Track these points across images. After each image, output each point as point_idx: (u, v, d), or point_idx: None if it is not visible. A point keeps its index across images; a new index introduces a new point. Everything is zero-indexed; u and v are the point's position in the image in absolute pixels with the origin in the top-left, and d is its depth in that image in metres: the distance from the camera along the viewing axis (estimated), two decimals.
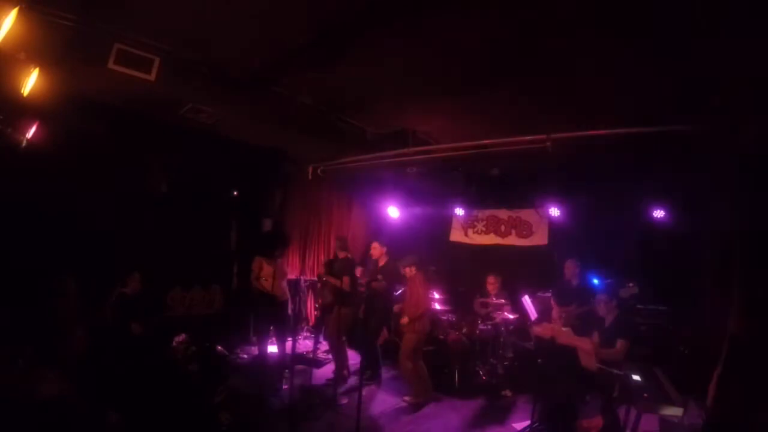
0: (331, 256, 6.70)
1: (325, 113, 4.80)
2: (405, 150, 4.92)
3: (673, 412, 2.86)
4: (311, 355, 6.07)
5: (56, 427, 2.77)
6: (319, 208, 7.74)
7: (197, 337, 4.53)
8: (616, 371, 3.27)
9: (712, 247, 4.92)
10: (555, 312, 5.37)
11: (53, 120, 4.06)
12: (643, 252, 5.58)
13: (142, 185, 5.42)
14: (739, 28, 2.47)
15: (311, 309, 7.54)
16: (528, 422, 4.23)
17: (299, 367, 5.54)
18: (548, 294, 5.72)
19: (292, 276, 6.37)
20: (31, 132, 3.93)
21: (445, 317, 6.28)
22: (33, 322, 3.69)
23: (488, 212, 7.64)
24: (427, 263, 6.00)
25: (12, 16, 2.61)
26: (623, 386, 3.18)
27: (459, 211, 7.43)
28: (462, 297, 6.82)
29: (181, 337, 4.47)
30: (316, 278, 6.90)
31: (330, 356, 5.79)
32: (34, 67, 3.23)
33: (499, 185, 6.87)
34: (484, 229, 7.72)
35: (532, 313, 5.47)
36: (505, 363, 5.58)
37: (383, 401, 4.98)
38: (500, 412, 4.82)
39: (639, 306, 5.33)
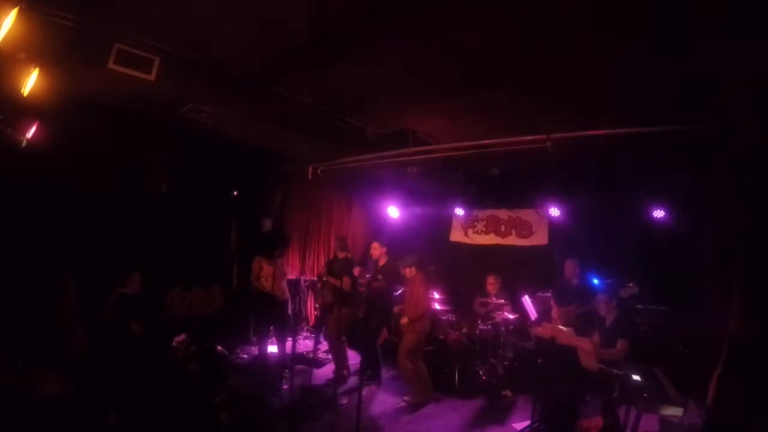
0: (331, 256, 6.70)
1: (325, 113, 4.80)
2: (405, 150, 4.91)
3: (673, 412, 2.86)
4: (311, 355, 6.07)
5: (56, 427, 2.77)
6: (319, 208, 7.74)
7: (197, 337, 4.53)
8: (616, 371, 3.27)
9: (712, 247, 4.92)
10: (555, 312, 5.36)
11: (53, 120, 4.06)
12: (643, 252, 5.58)
13: (142, 185, 5.43)
14: (739, 28, 2.47)
15: (311, 309, 7.54)
16: (528, 422, 4.23)
17: (299, 367, 5.54)
18: (548, 294, 5.71)
19: (292, 276, 6.37)
20: (31, 132, 3.93)
21: (445, 317, 6.28)
22: (33, 322, 3.68)
23: (488, 212, 7.63)
24: (427, 263, 6.00)
25: (12, 16, 2.60)
26: (623, 386, 3.18)
27: (459, 211, 7.43)
28: (462, 297, 6.82)
29: (181, 337, 4.47)
30: (316, 278, 6.91)
31: (330, 356, 5.79)
32: (34, 67, 3.22)
33: (499, 185, 6.87)
34: (484, 229, 7.72)
35: (532, 313, 5.46)
36: (505, 363, 5.58)
37: (383, 401, 4.99)
38: (500, 412, 4.82)
39: (639, 306, 5.33)
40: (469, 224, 7.86)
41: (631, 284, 4.96)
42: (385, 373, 5.69)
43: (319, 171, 5.86)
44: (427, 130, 5.08)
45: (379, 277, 5.62)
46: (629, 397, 3.09)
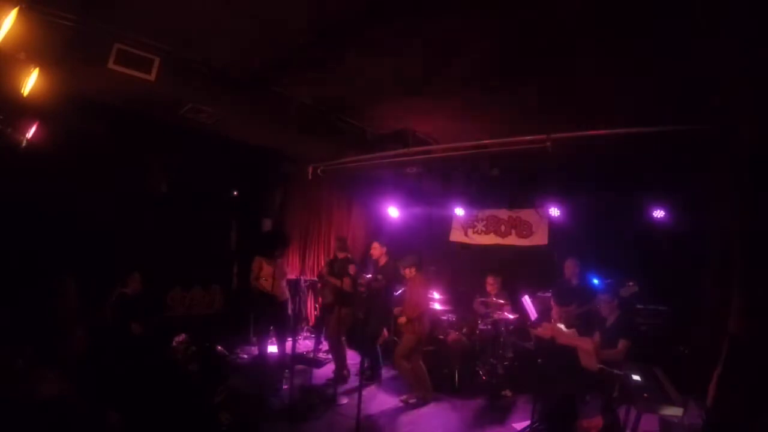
0: (331, 256, 6.70)
1: (325, 113, 4.80)
2: (405, 150, 4.91)
3: (673, 412, 2.86)
4: (311, 355, 6.08)
5: (56, 427, 2.77)
6: (319, 208, 7.74)
7: (197, 337, 4.53)
8: (616, 371, 3.27)
9: (712, 247, 4.92)
10: (555, 312, 5.37)
11: (53, 120, 4.06)
12: (643, 252, 5.57)
13: (142, 185, 5.42)
14: (739, 28, 2.47)
15: (311, 309, 7.54)
16: (528, 422, 4.23)
17: (299, 367, 5.54)
18: (548, 294, 5.72)
19: (292, 276, 6.37)
20: (31, 132, 3.93)
21: (445, 317, 6.28)
22: (33, 322, 3.68)
23: (488, 212, 7.63)
24: (427, 263, 6.00)
25: (12, 16, 2.61)
26: (623, 386, 3.18)
27: (459, 211, 7.42)
28: (462, 297, 6.82)
29: (181, 337, 4.47)
30: (316, 278, 6.91)
31: (330, 356, 5.79)
32: (34, 67, 3.23)
33: (499, 185, 6.86)
34: (484, 229, 7.72)
35: (532, 313, 5.46)
36: (505, 363, 5.57)
37: (383, 401, 4.98)
38: (500, 412, 4.82)
39: (639, 306, 5.32)
40: (469, 224, 7.85)
41: (630, 283, 4.95)
42: (385, 373, 5.69)
43: (319, 171, 5.86)
44: (427, 130, 5.08)
45: (379, 277, 5.62)
46: (629, 397, 3.09)
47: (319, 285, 6.43)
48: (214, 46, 3.54)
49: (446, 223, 8.05)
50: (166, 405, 3.53)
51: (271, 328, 5.71)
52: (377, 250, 5.72)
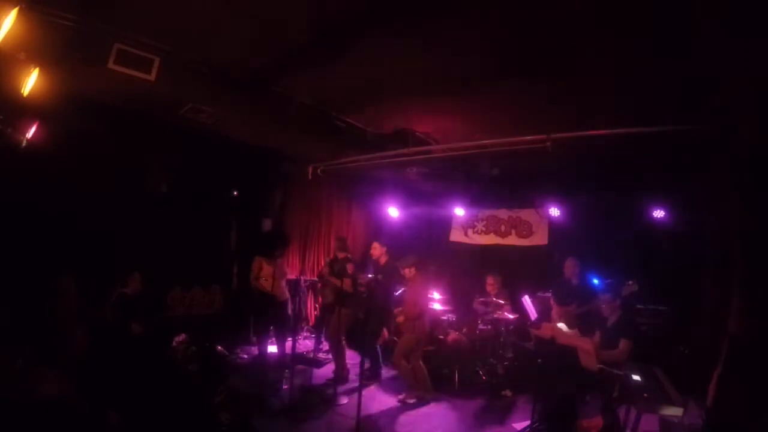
0: (331, 256, 6.70)
1: (325, 113, 4.80)
2: (405, 150, 4.92)
3: (673, 412, 2.86)
4: (311, 355, 6.08)
5: (56, 427, 2.76)
6: (319, 208, 7.74)
7: (197, 337, 4.52)
8: (616, 371, 3.27)
9: (712, 247, 4.92)
10: (555, 312, 5.37)
11: (53, 120, 4.06)
12: (643, 252, 5.57)
13: (142, 185, 5.42)
14: (739, 28, 2.47)
15: (311, 309, 7.54)
16: (528, 422, 4.22)
17: (299, 367, 5.54)
18: (548, 294, 5.72)
19: (292, 276, 6.37)
20: (31, 132, 3.93)
21: (445, 317, 6.28)
22: (33, 322, 3.68)
23: (488, 212, 7.63)
24: (427, 263, 6.00)
25: (12, 16, 2.60)
26: (623, 386, 3.18)
27: (459, 211, 7.42)
28: (462, 297, 6.82)
29: (181, 337, 4.46)
30: (316, 278, 6.90)
31: (330, 356, 5.79)
32: (34, 67, 3.22)
33: (499, 185, 6.87)
34: (484, 229, 7.72)
35: (532, 313, 5.46)
36: (505, 363, 5.58)
37: (383, 401, 4.98)
38: (500, 412, 4.82)
39: (639, 306, 5.33)
40: (469, 224, 7.86)
41: (630, 282, 4.96)
42: (385, 373, 5.69)
43: (319, 171, 5.87)
44: (427, 130, 5.07)
45: (379, 276, 5.62)
46: (629, 397, 3.09)
47: (319, 285, 6.43)
48: (214, 46, 3.53)
49: (446, 223, 8.06)
50: (166, 405, 3.53)
51: (271, 328, 5.71)
52: (377, 249, 5.72)
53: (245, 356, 6.09)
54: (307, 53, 3.45)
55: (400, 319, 5.04)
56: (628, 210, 5.52)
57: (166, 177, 5.54)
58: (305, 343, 6.80)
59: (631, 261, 5.51)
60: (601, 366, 3.44)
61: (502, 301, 5.80)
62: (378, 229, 7.86)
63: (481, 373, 5.53)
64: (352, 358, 5.77)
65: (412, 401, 4.90)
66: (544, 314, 5.35)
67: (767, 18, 2.23)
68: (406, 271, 5.06)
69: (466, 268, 7.44)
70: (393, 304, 5.73)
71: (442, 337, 5.91)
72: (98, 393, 3.29)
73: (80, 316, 4.09)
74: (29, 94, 3.29)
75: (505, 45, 3.13)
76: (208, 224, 6.24)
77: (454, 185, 6.84)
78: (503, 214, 7.49)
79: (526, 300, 5.54)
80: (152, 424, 3.35)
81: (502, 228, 7.49)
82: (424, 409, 4.81)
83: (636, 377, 3.10)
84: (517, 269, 6.72)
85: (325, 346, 6.17)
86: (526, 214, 7.22)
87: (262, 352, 5.53)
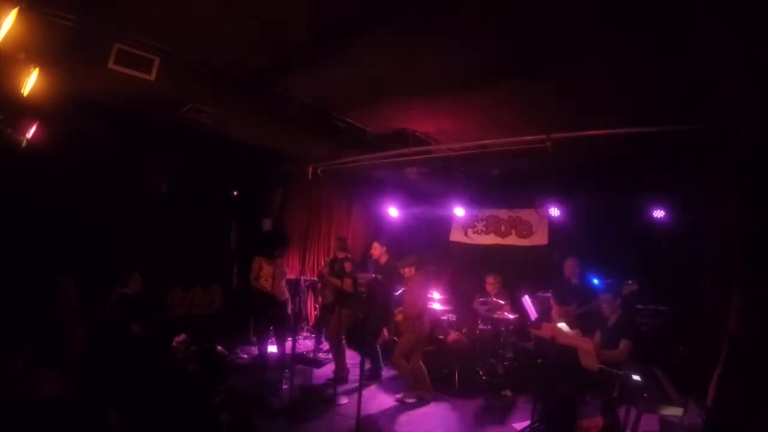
0: (331, 256, 6.70)
1: (325, 113, 4.80)
2: (405, 150, 4.92)
3: (673, 412, 2.86)
4: (311, 355, 6.08)
5: (56, 427, 2.77)
6: (319, 208, 7.74)
7: (197, 337, 4.52)
8: (616, 371, 3.27)
9: (712, 247, 4.92)
10: (555, 312, 5.37)
11: (53, 120, 4.06)
12: (643, 252, 5.58)
13: (142, 185, 5.43)
14: (739, 28, 2.47)
15: (311, 309, 7.54)
16: (528, 422, 4.22)
17: (299, 367, 5.54)
18: (548, 294, 5.72)
19: (292, 276, 6.37)
20: (31, 132, 3.93)
21: (445, 317, 6.28)
22: (33, 322, 3.68)
23: (488, 212, 7.64)
24: (427, 263, 6.00)
25: (12, 16, 2.60)
26: (623, 386, 3.18)
27: (459, 211, 7.43)
28: (462, 297, 6.83)
29: (181, 337, 4.46)
30: (316, 278, 6.90)
31: (330, 356, 5.79)
32: (34, 67, 3.22)
33: (499, 185, 6.87)
34: (484, 229, 7.72)
35: (532, 313, 5.47)
36: (505, 363, 5.58)
37: (383, 401, 4.98)
38: (500, 412, 4.82)
39: (639, 306, 5.33)
40: (469, 224, 7.86)
41: (630, 281, 4.96)
42: (385, 373, 5.69)
43: (319, 171, 5.86)
44: (427, 130, 5.08)
45: (379, 276, 5.61)
46: (629, 397, 3.09)
47: (319, 285, 6.43)
48: (214, 46, 3.53)
49: (446, 223, 8.06)
50: (166, 405, 3.53)
51: (271, 328, 5.71)
52: (377, 249, 5.72)
53: (245, 356, 6.09)
54: (307, 53, 3.45)
55: (399, 317, 5.04)
56: (628, 210, 5.52)
57: (166, 177, 5.54)
58: (305, 343, 6.80)
59: (631, 261, 5.51)
60: (601, 366, 3.44)
61: (502, 301, 5.80)
62: (378, 229, 7.85)
63: (481, 373, 5.53)
64: (352, 358, 5.77)
65: (411, 401, 4.90)
66: (544, 314, 5.36)
67: (767, 18, 2.23)
68: (406, 270, 5.07)
69: (466, 268, 7.44)
70: (393, 304, 5.73)
71: (442, 337, 5.91)
72: (98, 393, 3.30)
73: (80, 316, 4.09)
74: (29, 94, 3.29)
75: (505, 45, 3.13)
76: (208, 224, 6.24)
77: (454, 185, 6.84)
78: (503, 214, 7.49)
79: (526, 300, 5.55)
80: (152, 424, 3.35)
81: (502, 228, 7.49)
82: (424, 409, 4.81)
83: (636, 377, 3.10)
84: (517, 269, 6.73)
85: (325, 346, 6.17)
86: (526, 214, 7.22)
87: (262, 352, 5.53)
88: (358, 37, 3.15)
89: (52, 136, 4.14)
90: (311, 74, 3.86)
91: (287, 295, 5.55)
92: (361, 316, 5.75)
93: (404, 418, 4.58)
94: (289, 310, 5.61)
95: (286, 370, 5.07)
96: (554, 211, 6.31)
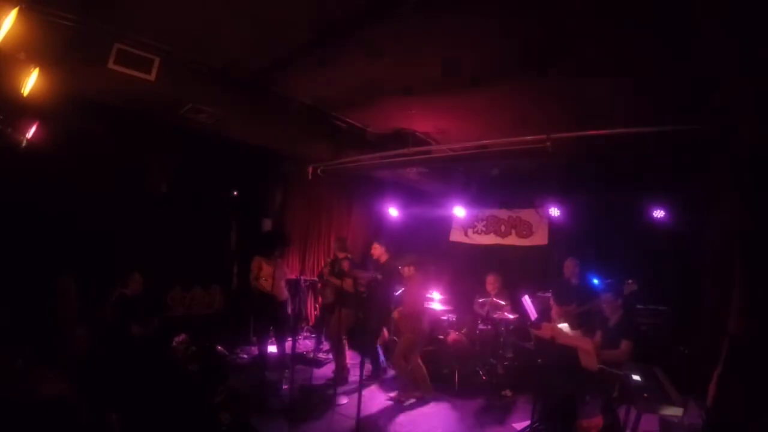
0: (331, 257, 6.70)
1: (325, 113, 4.80)
2: (405, 150, 4.92)
3: (673, 412, 2.86)
4: (311, 355, 6.07)
5: (56, 427, 2.77)
6: (319, 208, 7.74)
7: (197, 337, 4.53)
8: (616, 371, 3.27)
9: (712, 247, 4.92)
10: (555, 312, 5.37)
11: (53, 120, 4.05)
12: (643, 252, 5.57)
13: (142, 185, 5.43)
14: (739, 28, 2.47)
15: (311, 309, 7.54)
16: (528, 422, 4.22)
17: (299, 367, 5.54)
18: (548, 294, 5.72)
19: (292, 276, 6.37)
20: (31, 132, 3.93)
21: (445, 317, 6.28)
22: (33, 322, 3.68)
23: (488, 212, 7.64)
24: (427, 263, 6.00)
25: (12, 16, 2.60)
26: (623, 386, 3.18)
27: (459, 211, 7.42)
28: (462, 297, 6.82)
29: (181, 337, 4.46)
30: (316, 278, 6.90)
31: (330, 356, 5.79)
32: (34, 67, 3.22)
33: (499, 185, 6.87)
34: (484, 229, 7.72)
35: (532, 313, 5.46)
36: (505, 363, 5.58)
37: (383, 401, 4.98)
38: (500, 412, 4.82)
39: (639, 306, 5.33)
40: (469, 224, 7.85)
41: (630, 281, 4.96)
42: (386, 373, 5.69)
43: (319, 171, 5.86)
44: (427, 130, 5.08)
45: (379, 276, 5.62)
46: (629, 397, 3.09)
47: (319, 285, 6.43)
48: (214, 46, 3.54)
49: (446, 223, 8.06)
50: (166, 405, 3.53)
51: (271, 328, 5.71)
52: (377, 249, 5.72)
53: (245, 356, 6.09)
54: (307, 53, 3.45)
55: (396, 315, 5.03)
56: (628, 210, 5.52)
57: (166, 177, 5.54)
58: (305, 343, 6.80)
59: (631, 261, 5.51)
60: (601, 366, 3.44)
61: (502, 302, 5.80)
62: (378, 229, 7.85)
63: (481, 373, 5.53)
64: (352, 358, 5.77)
65: (411, 401, 4.90)
66: (544, 314, 5.35)
67: (767, 18, 2.23)
68: (405, 269, 5.07)
69: (466, 268, 7.43)
70: (393, 304, 5.73)
71: (442, 337, 5.91)
72: (98, 393, 3.30)
73: (80, 316, 4.09)
74: (29, 94, 3.29)
75: (505, 45, 3.13)
76: (208, 224, 6.24)
77: (454, 185, 6.84)
78: (503, 214, 7.49)
79: (526, 300, 5.54)
80: (152, 424, 3.36)
81: (502, 228, 7.49)
82: (424, 409, 4.81)
83: (636, 377, 3.09)
84: (517, 269, 6.72)
85: (325, 346, 6.17)
86: (526, 214, 7.22)
87: (262, 352, 5.52)
88: (358, 36, 3.16)
89: (52, 136, 4.13)
90: (311, 74, 3.86)
91: (287, 295, 5.55)
92: (362, 316, 5.75)
93: (404, 418, 4.58)
94: (289, 310, 5.61)
95: (286, 370, 5.07)
96: (554, 211, 6.31)
